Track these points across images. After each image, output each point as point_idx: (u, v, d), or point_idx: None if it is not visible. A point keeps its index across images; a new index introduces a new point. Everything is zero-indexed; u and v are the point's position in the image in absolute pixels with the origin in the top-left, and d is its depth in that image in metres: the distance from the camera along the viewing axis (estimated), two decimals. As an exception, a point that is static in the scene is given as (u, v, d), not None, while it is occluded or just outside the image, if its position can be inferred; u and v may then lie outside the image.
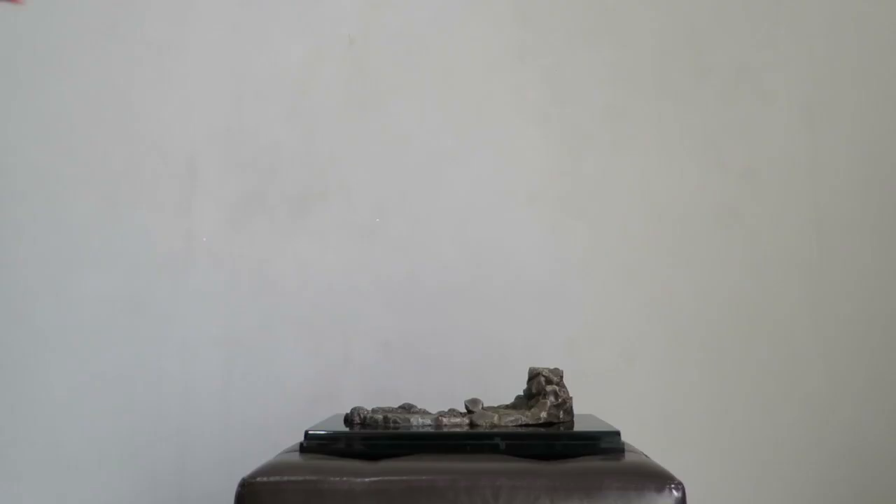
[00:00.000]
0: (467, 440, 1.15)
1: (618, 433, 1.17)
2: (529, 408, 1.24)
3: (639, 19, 1.95)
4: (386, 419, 1.21)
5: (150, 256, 1.88)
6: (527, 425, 1.21)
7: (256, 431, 1.82)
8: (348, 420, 1.24)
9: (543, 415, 1.22)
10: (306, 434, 1.16)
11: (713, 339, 1.89)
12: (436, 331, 1.85)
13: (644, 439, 1.26)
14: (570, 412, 1.26)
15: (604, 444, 1.15)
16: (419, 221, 1.86)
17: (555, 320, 1.89)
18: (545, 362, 1.32)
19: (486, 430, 1.18)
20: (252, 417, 1.86)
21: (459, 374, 1.78)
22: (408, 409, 1.26)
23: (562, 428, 1.22)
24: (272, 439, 1.28)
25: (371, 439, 1.17)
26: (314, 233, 1.90)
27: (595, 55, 1.95)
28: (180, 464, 1.86)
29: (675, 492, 1.03)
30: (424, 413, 1.23)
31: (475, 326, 1.86)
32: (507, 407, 1.27)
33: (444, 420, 1.21)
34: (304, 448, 1.15)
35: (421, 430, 1.19)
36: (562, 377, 1.27)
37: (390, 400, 1.28)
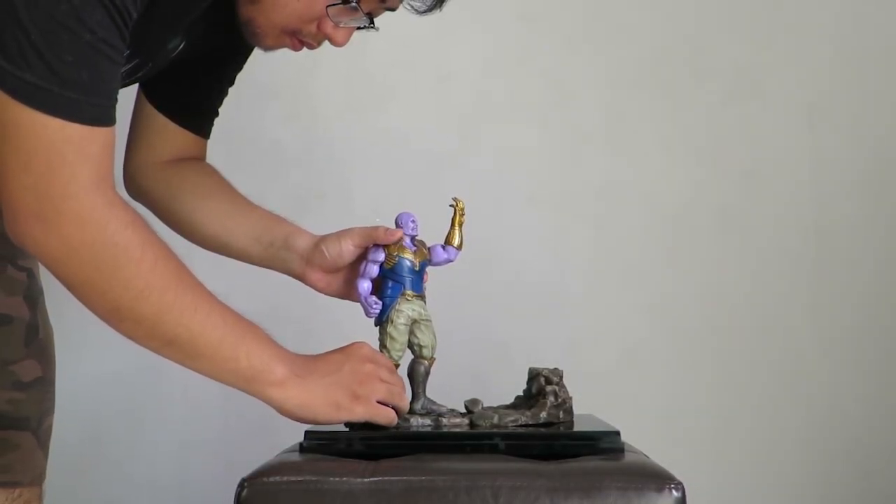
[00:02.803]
0: (467, 440, 1.15)
1: (618, 433, 1.16)
2: (529, 408, 1.24)
3: (639, 19, 1.95)
4: (385, 419, 1.21)
5: (150, 256, 1.88)
6: (527, 425, 1.21)
7: (256, 431, 1.82)
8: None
9: (543, 415, 1.22)
10: (306, 434, 1.16)
11: (713, 339, 1.89)
12: (436, 331, 1.85)
13: (644, 439, 1.26)
14: (570, 412, 1.26)
15: (604, 444, 1.15)
16: (418, 222, 1.85)
17: (555, 320, 1.89)
18: (545, 362, 1.32)
19: (486, 430, 1.18)
20: (252, 417, 1.86)
21: (459, 374, 1.78)
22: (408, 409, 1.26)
23: (562, 428, 1.22)
24: (272, 439, 1.28)
25: (371, 439, 1.17)
26: (314, 233, 1.89)
27: (595, 55, 1.95)
28: (180, 463, 1.86)
29: (675, 492, 1.02)
30: (425, 413, 1.23)
31: (475, 326, 1.86)
32: (507, 407, 1.27)
33: (444, 420, 1.21)
34: (304, 448, 1.14)
35: (421, 430, 1.19)
36: (562, 377, 1.27)
37: (390, 400, 1.28)
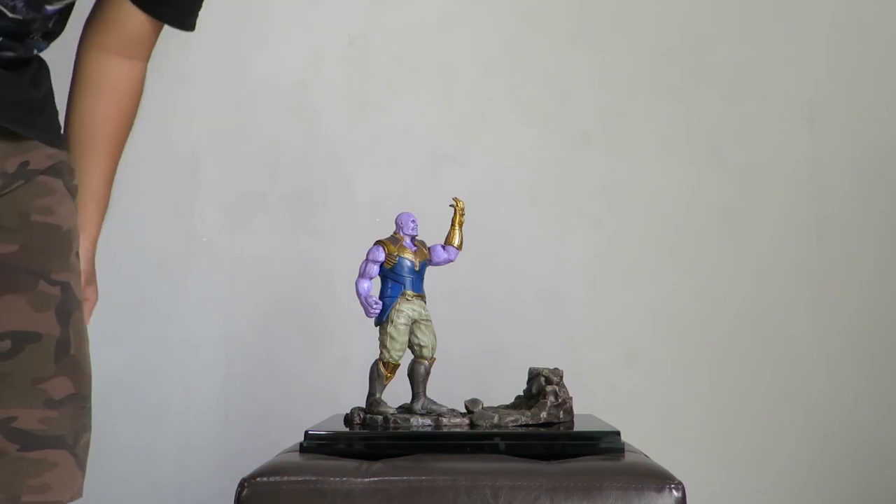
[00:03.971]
0: (467, 440, 1.16)
1: (618, 433, 1.17)
2: (529, 408, 1.24)
3: (639, 19, 1.95)
4: (386, 419, 1.21)
5: (151, 256, 1.88)
6: (527, 425, 1.21)
7: (256, 431, 1.82)
8: (348, 420, 1.24)
9: (543, 415, 1.22)
10: (306, 434, 1.17)
11: (713, 339, 1.89)
12: (436, 331, 1.85)
13: (644, 439, 1.26)
14: (570, 412, 1.26)
15: (604, 444, 1.15)
16: (419, 222, 1.86)
17: (555, 320, 1.89)
18: (545, 362, 1.32)
19: (486, 430, 1.18)
20: (252, 417, 1.86)
21: (459, 374, 1.78)
22: (408, 409, 1.26)
23: (562, 428, 1.22)
24: (272, 439, 1.28)
25: (371, 439, 1.17)
26: (314, 233, 1.90)
27: (595, 55, 1.95)
28: (180, 464, 1.86)
29: (675, 492, 1.03)
30: (425, 413, 1.24)
31: (475, 326, 1.86)
32: (507, 407, 1.28)
33: (444, 420, 1.21)
34: (304, 448, 1.15)
35: (421, 430, 1.20)
36: (562, 377, 1.28)
37: (390, 400, 1.28)
